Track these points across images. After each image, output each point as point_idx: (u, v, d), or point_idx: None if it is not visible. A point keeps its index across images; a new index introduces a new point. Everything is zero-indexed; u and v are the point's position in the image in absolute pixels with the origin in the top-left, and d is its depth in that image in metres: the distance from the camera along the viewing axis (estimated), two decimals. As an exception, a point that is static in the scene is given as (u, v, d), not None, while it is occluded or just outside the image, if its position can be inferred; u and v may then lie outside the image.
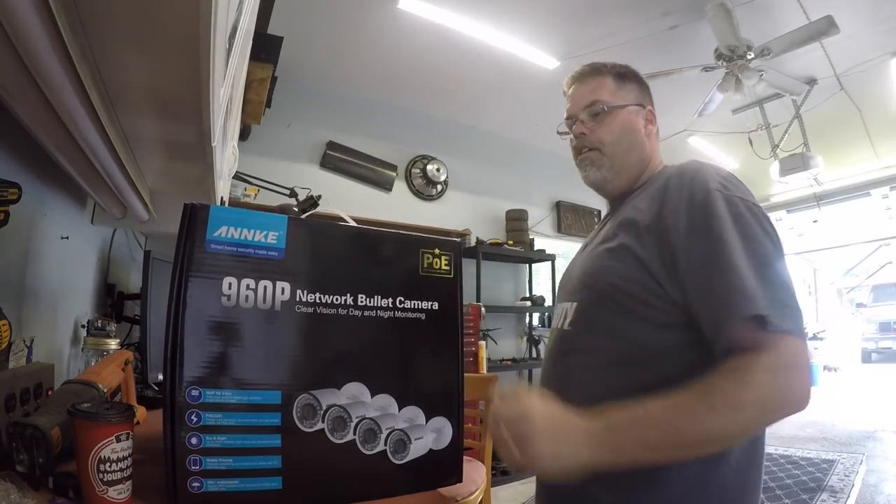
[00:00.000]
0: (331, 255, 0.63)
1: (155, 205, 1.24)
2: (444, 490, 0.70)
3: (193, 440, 0.54)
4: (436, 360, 0.68)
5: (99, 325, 1.22)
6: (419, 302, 0.66)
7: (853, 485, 3.07)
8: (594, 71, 0.90)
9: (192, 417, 0.54)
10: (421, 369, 0.67)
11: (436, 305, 0.67)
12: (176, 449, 0.54)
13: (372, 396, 0.62)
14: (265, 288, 0.57)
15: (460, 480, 0.69)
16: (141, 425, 1.02)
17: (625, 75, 0.89)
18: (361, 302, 0.62)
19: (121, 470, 0.55)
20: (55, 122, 0.63)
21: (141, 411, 1.06)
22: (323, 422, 0.59)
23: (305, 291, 0.59)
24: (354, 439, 0.61)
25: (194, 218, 0.56)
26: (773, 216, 4.75)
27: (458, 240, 0.81)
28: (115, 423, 0.55)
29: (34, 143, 0.73)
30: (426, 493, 0.69)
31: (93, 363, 1.07)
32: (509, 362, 3.75)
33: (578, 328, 0.74)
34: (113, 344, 1.20)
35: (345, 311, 0.61)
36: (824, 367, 8.14)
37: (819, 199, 4.24)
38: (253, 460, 0.56)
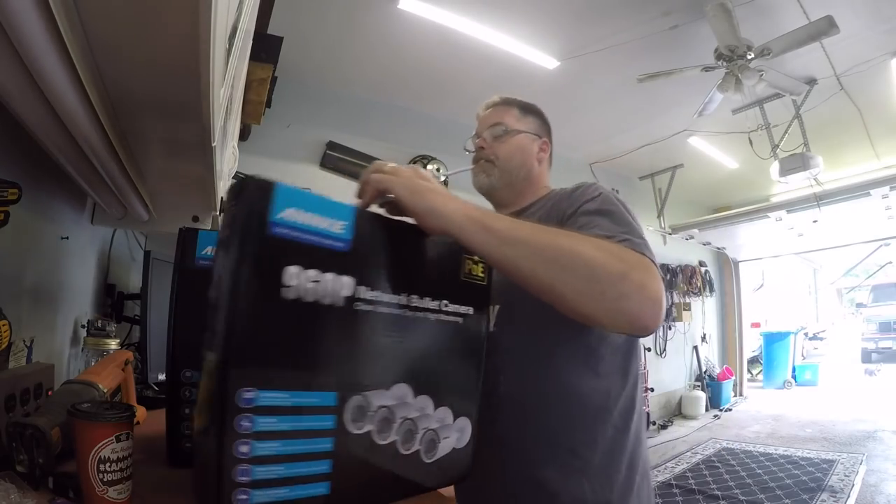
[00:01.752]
0: (392, 252, 0.61)
1: (155, 205, 1.24)
2: (444, 490, 0.70)
3: (243, 448, 0.47)
4: (465, 362, 0.70)
5: (99, 325, 1.22)
6: (459, 306, 0.67)
7: (853, 485, 3.08)
8: (504, 101, 1.02)
9: (244, 423, 0.47)
10: (453, 371, 0.69)
11: (471, 310, 0.69)
12: (223, 460, 0.46)
13: (415, 397, 0.62)
14: (329, 281, 0.53)
15: (470, 476, 0.71)
16: (141, 425, 1.02)
17: (529, 109, 1.02)
18: (414, 303, 0.62)
19: (121, 470, 0.55)
20: (55, 122, 0.63)
21: (141, 411, 1.06)
22: (372, 423, 0.57)
23: (367, 288, 0.56)
24: (396, 440, 0.60)
25: (259, 196, 0.48)
26: (773, 216, 4.76)
27: None
28: (115, 423, 0.55)
29: (34, 143, 0.73)
30: (426, 493, 0.69)
31: (93, 363, 1.07)
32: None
33: (501, 330, 0.81)
34: (113, 344, 1.20)
35: (399, 312, 0.60)
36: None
37: (819, 199, 4.24)
38: (303, 466, 0.52)
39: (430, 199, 0.62)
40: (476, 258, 0.69)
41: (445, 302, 0.65)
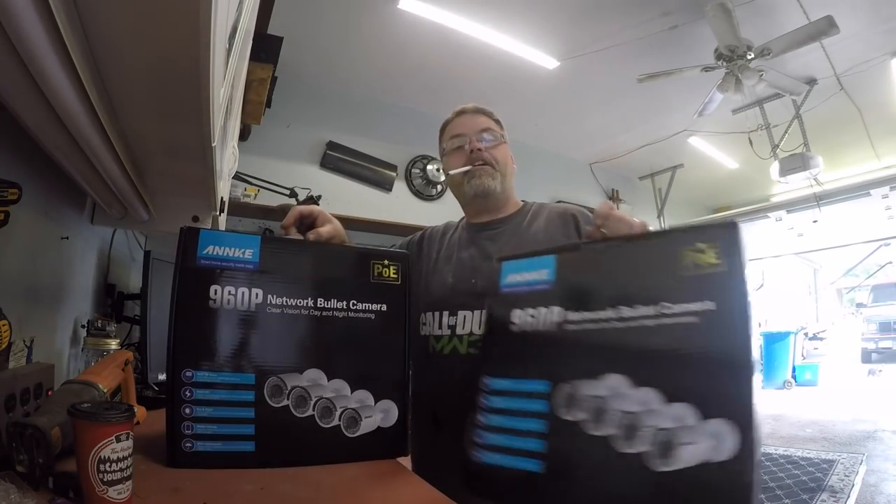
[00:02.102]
0: (295, 267, 0.78)
1: (155, 205, 1.23)
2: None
3: (187, 410, 0.70)
4: (384, 351, 0.82)
5: (99, 325, 1.22)
6: (370, 304, 0.80)
7: (853, 485, 3.08)
8: (481, 111, 1.08)
9: (187, 392, 0.70)
10: (371, 359, 0.80)
11: (384, 307, 0.81)
12: (174, 416, 0.69)
13: (328, 380, 0.76)
14: (242, 293, 0.73)
15: (406, 454, 0.83)
16: (141, 425, 1.02)
17: (501, 124, 1.08)
18: (320, 304, 0.77)
19: (121, 470, 0.55)
20: (55, 122, 0.63)
21: (141, 411, 1.06)
22: (288, 399, 0.73)
23: (274, 296, 0.74)
24: (314, 415, 0.75)
25: (189, 238, 0.73)
26: (773, 216, 4.77)
27: (407, 252, 0.95)
28: (115, 423, 0.54)
29: (34, 143, 0.73)
30: (426, 493, 0.69)
31: (93, 363, 1.07)
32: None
33: None
34: (113, 344, 1.20)
35: (306, 312, 0.76)
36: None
37: (819, 199, 4.24)
38: (232, 427, 0.71)
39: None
40: (385, 262, 0.82)
41: (353, 301, 0.79)
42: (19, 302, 0.93)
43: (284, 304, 0.75)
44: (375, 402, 0.79)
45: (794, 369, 7.44)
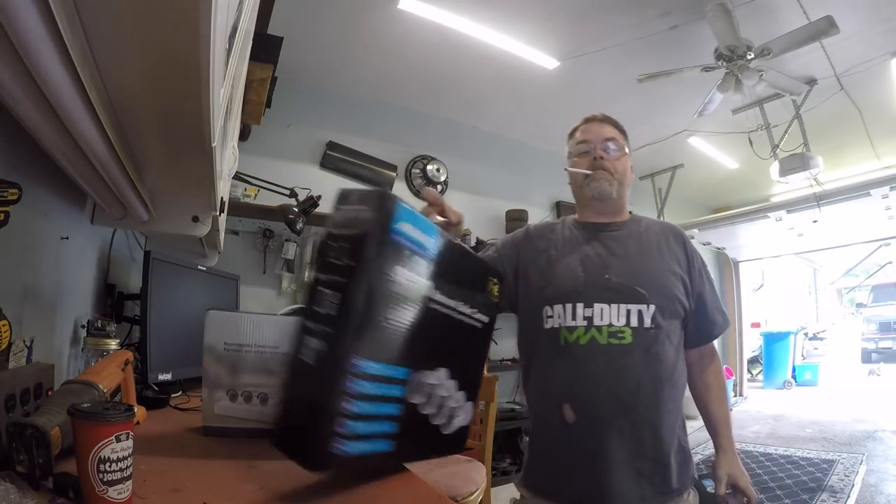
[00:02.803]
0: (452, 266, 0.75)
1: (155, 205, 1.23)
2: (444, 489, 0.71)
3: (345, 405, 0.59)
4: (477, 357, 0.89)
5: (99, 325, 1.22)
6: (482, 315, 0.85)
7: (853, 485, 3.07)
8: (610, 120, 1.14)
9: (349, 385, 0.59)
10: (470, 363, 0.86)
11: (486, 319, 0.86)
12: (327, 411, 0.57)
13: (448, 379, 0.78)
14: (418, 281, 0.67)
15: (463, 450, 0.92)
16: (141, 425, 1.02)
17: (626, 134, 1.14)
18: (461, 308, 0.79)
19: (121, 470, 0.55)
20: (55, 122, 0.63)
21: (141, 411, 1.06)
22: (422, 396, 0.73)
23: (438, 292, 0.72)
24: (430, 413, 0.76)
25: (384, 206, 0.61)
26: (773, 216, 4.76)
27: (502, 274, 0.96)
28: (115, 423, 0.55)
29: (34, 143, 0.73)
30: (426, 493, 0.69)
31: (93, 363, 1.07)
32: (509, 362, 3.76)
33: (663, 329, 1.00)
34: (113, 344, 1.20)
35: (451, 313, 0.77)
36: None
37: (819, 199, 4.23)
38: (377, 425, 0.65)
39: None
40: (495, 280, 0.88)
41: (476, 310, 0.83)
42: (19, 302, 0.93)
43: (441, 301, 0.73)
44: (465, 402, 0.85)
45: (794, 369, 7.44)
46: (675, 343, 1.02)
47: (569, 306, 1.01)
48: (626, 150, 1.12)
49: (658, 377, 0.97)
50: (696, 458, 3.89)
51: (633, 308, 0.99)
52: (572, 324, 1.00)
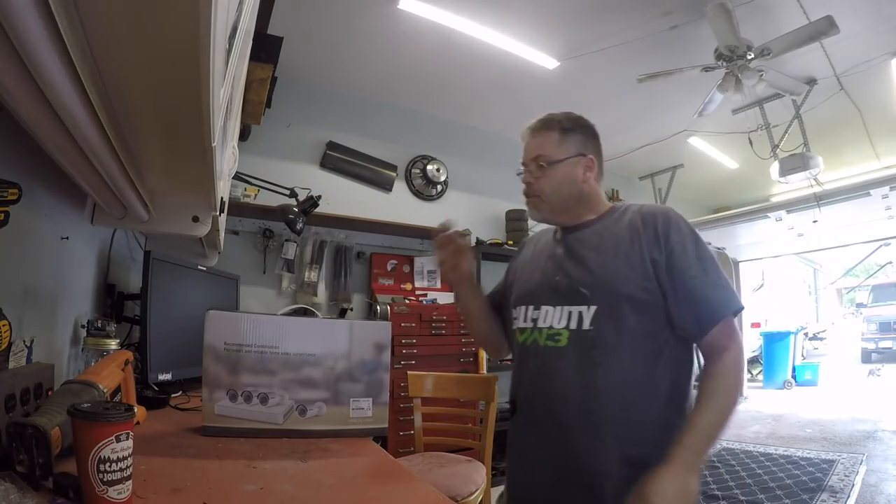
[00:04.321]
0: None
1: (155, 205, 1.23)
2: (444, 489, 0.71)
3: None
4: None
5: (99, 325, 1.22)
6: None
7: (853, 485, 3.07)
8: (544, 126, 1.07)
9: None
10: None
11: None
12: None
13: None
14: None
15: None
16: (141, 425, 1.02)
17: (571, 128, 1.07)
18: None
19: (121, 470, 0.55)
20: (55, 122, 0.63)
21: (141, 411, 1.06)
22: None
23: None
24: None
25: None
26: (773, 216, 4.76)
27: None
28: (115, 423, 0.55)
29: (34, 143, 0.73)
30: (426, 492, 0.69)
31: (93, 363, 1.06)
32: (509, 362, 3.75)
33: (602, 330, 0.92)
34: (113, 344, 1.20)
35: None
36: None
37: (819, 199, 4.24)
38: None
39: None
40: None
41: None
42: (19, 302, 0.93)
43: None
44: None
45: (794, 369, 7.44)
46: (637, 347, 0.91)
47: (521, 308, 1.04)
48: (559, 154, 1.03)
49: (592, 383, 0.89)
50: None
51: (574, 310, 0.95)
52: (523, 325, 1.03)
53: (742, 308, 0.92)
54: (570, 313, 0.95)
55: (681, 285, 0.90)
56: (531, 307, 1.02)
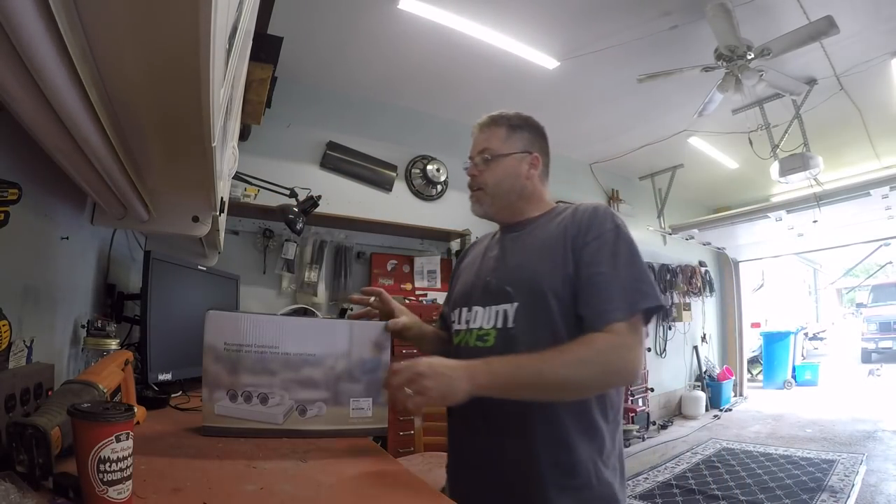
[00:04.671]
0: None
1: (155, 205, 1.23)
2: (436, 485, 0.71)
3: None
4: None
5: (99, 325, 1.22)
6: None
7: (853, 485, 3.08)
8: (493, 122, 1.07)
9: None
10: None
11: None
12: None
13: None
14: None
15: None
16: (141, 425, 1.02)
17: (519, 126, 1.06)
18: None
19: (121, 470, 0.55)
20: (55, 122, 0.63)
21: (141, 411, 1.06)
22: None
23: None
24: None
25: None
26: (773, 216, 4.76)
27: None
28: (115, 423, 0.55)
29: (34, 143, 0.73)
30: (426, 493, 0.69)
31: (93, 363, 1.06)
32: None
33: (522, 326, 0.91)
34: (113, 344, 1.20)
35: None
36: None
37: (819, 199, 4.23)
38: None
39: (447, 392, 0.78)
40: None
41: None
42: (19, 302, 0.93)
43: None
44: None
45: (794, 369, 7.45)
46: (557, 343, 0.85)
47: (457, 311, 1.04)
48: (504, 149, 1.03)
49: None
50: (696, 460, 3.89)
51: (501, 308, 0.94)
52: (458, 328, 1.03)
53: (654, 307, 0.86)
54: (496, 312, 0.95)
55: (586, 279, 0.88)
56: (465, 309, 1.02)
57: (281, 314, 2.71)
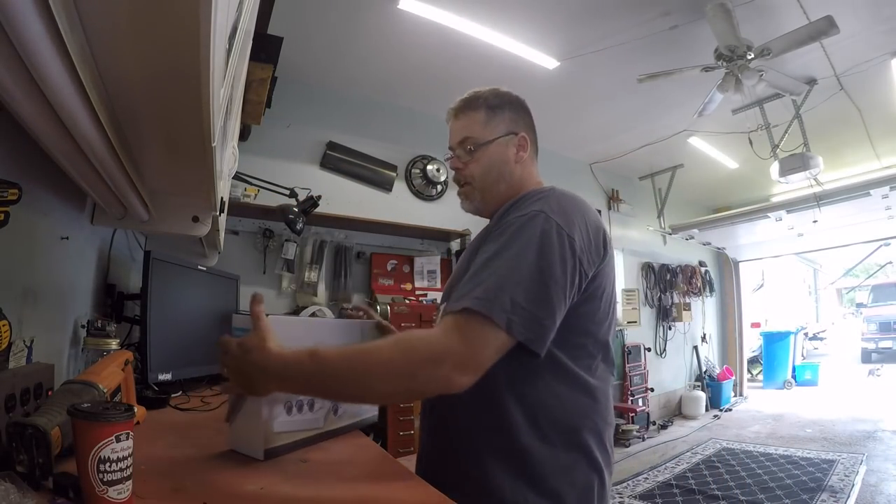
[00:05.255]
0: None
1: (155, 205, 1.23)
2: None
3: None
4: None
5: (99, 325, 1.22)
6: None
7: (853, 485, 3.08)
8: (467, 105, 0.98)
9: None
10: None
11: None
12: None
13: None
14: None
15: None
16: (141, 425, 1.02)
17: (497, 105, 0.96)
18: None
19: (121, 470, 0.55)
20: (55, 122, 0.63)
21: (141, 411, 1.06)
22: None
23: None
24: None
25: None
26: (773, 216, 4.76)
27: None
28: (115, 423, 0.55)
29: (34, 143, 0.73)
30: (426, 493, 0.69)
31: (93, 363, 1.06)
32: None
33: None
34: (113, 344, 1.19)
35: None
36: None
37: (819, 199, 4.24)
38: None
39: (249, 388, 0.73)
40: None
41: None
42: (19, 302, 0.93)
43: None
44: None
45: (794, 369, 7.45)
46: None
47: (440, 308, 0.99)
48: (486, 134, 0.94)
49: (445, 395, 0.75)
50: (696, 460, 3.89)
51: (442, 311, 0.90)
52: None
53: (476, 310, 0.68)
54: (440, 315, 0.90)
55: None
56: (442, 306, 0.97)
57: (283, 315, 2.71)
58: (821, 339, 10.96)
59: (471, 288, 0.71)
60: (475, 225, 3.94)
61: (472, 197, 0.97)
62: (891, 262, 10.98)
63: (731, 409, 5.85)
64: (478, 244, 0.87)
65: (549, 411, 0.78)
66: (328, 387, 0.72)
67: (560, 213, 0.79)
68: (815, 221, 4.70)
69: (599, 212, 5.06)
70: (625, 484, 3.36)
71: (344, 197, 3.44)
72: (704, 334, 6.33)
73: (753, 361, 8.17)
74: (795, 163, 3.77)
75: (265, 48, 2.16)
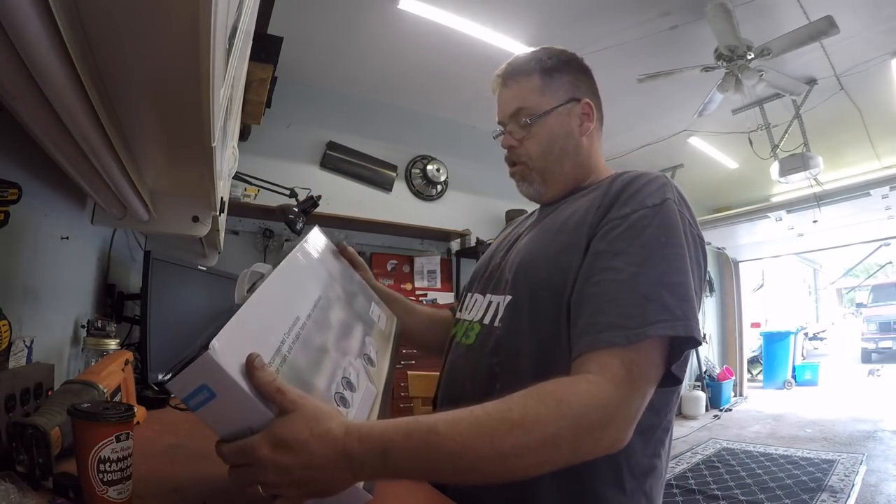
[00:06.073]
0: None
1: (155, 205, 1.23)
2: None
3: None
4: None
5: (99, 325, 1.22)
6: None
7: (853, 485, 3.08)
8: (518, 70, 0.82)
9: None
10: None
11: None
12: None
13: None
14: None
15: None
16: (141, 425, 1.02)
17: (554, 68, 0.80)
18: None
19: (121, 470, 0.55)
20: (55, 122, 0.63)
21: (141, 411, 1.06)
22: None
23: None
24: None
25: None
26: (773, 216, 4.76)
27: None
28: (115, 423, 0.54)
29: (34, 143, 0.73)
30: (426, 493, 0.69)
31: (93, 363, 1.06)
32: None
33: (507, 328, 0.71)
34: (113, 344, 1.19)
35: None
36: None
37: (819, 199, 4.24)
38: None
39: (325, 490, 0.48)
40: None
41: None
42: (19, 302, 0.93)
43: None
44: None
45: (794, 369, 7.44)
46: (544, 357, 0.65)
47: (464, 296, 0.87)
48: (544, 103, 0.79)
49: (490, 394, 0.55)
50: (696, 460, 3.89)
51: (494, 300, 0.75)
52: (458, 316, 0.86)
53: (686, 336, 0.56)
54: (489, 303, 0.76)
55: (587, 274, 0.62)
56: (469, 294, 0.84)
57: (248, 291, 2.69)
58: (821, 339, 10.96)
59: (651, 307, 0.56)
60: (475, 225, 3.95)
61: (529, 178, 0.82)
62: (891, 262, 10.98)
63: (731, 409, 5.85)
64: (577, 226, 0.69)
65: (630, 453, 0.63)
66: (447, 467, 0.49)
67: (689, 210, 0.71)
68: (815, 221, 4.70)
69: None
70: (625, 484, 3.35)
71: (344, 197, 3.44)
72: (704, 334, 6.28)
73: (753, 361, 8.17)
74: (795, 163, 3.77)
75: (265, 48, 2.16)
